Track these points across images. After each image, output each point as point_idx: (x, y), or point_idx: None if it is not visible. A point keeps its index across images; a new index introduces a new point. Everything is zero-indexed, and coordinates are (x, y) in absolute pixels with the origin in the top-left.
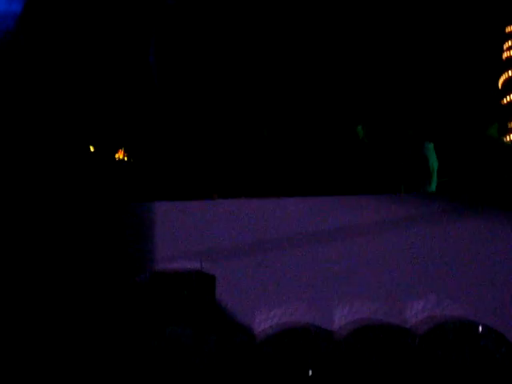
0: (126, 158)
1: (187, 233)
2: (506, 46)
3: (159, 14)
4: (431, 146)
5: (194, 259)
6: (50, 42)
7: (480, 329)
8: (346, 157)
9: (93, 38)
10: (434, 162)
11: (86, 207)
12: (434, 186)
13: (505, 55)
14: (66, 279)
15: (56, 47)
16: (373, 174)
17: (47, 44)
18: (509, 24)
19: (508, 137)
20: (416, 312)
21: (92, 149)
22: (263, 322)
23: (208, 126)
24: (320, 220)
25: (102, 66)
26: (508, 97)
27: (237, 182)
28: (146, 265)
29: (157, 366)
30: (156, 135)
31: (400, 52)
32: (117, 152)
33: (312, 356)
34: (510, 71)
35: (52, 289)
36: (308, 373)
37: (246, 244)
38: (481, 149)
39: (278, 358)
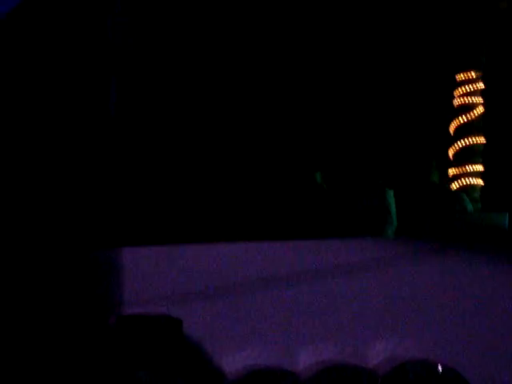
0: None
1: (154, 277)
2: (456, 93)
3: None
4: (391, 192)
5: (161, 303)
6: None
7: (440, 368)
8: (305, 202)
9: (51, 81)
10: (393, 208)
11: (55, 252)
12: (393, 231)
13: (456, 102)
14: (35, 323)
15: (11, 91)
16: (332, 218)
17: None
18: (459, 72)
19: (453, 184)
20: (377, 352)
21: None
22: (230, 364)
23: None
24: (283, 264)
25: (59, 95)
26: (459, 142)
27: (198, 225)
28: (114, 309)
29: None
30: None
31: (354, 101)
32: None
33: None
34: (460, 118)
35: (20, 333)
36: None
37: (212, 288)
38: (427, 194)
39: None
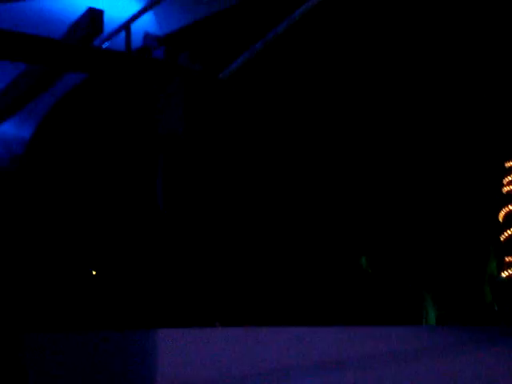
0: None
1: (189, 360)
2: (505, 180)
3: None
4: (428, 296)
5: None
6: (57, 169)
7: None
8: (350, 287)
9: (100, 163)
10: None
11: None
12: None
13: (505, 189)
14: None
15: (63, 174)
16: (376, 304)
17: (55, 170)
18: (508, 159)
19: (505, 272)
20: None
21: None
22: None
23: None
24: (328, 350)
25: (108, 191)
26: (508, 231)
27: (236, 309)
28: None
29: None
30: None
31: (404, 187)
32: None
33: None
34: (510, 205)
35: None
36: None
37: (248, 373)
38: (480, 285)
39: None
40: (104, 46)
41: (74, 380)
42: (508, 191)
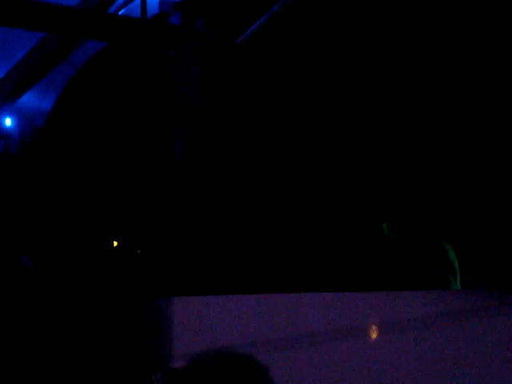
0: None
1: (206, 328)
2: None
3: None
4: (449, 246)
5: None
6: (79, 140)
7: None
8: (371, 253)
9: (120, 135)
10: (455, 261)
11: (101, 302)
12: (458, 284)
13: None
14: (80, 377)
15: (85, 145)
16: (399, 270)
17: (77, 142)
18: None
19: None
20: None
21: (115, 244)
22: None
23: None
24: (351, 315)
25: (128, 161)
26: None
27: (254, 276)
28: (163, 362)
29: None
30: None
31: (425, 155)
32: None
33: None
34: None
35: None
36: None
37: (263, 340)
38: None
39: None
40: (120, 13)
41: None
42: None
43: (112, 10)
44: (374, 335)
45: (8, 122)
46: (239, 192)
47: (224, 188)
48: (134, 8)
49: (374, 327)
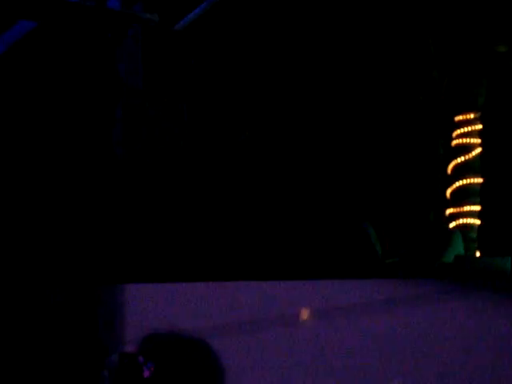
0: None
1: (157, 314)
2: (454, 134)
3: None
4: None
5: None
6: (11, 119)
7: None
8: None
9: (56, 115)
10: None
11: (56, 287)
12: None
13: (454, 143)
14: (35, 362)
15: (18, 125)
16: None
17: (8, 120)
18: (457, 113)
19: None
20: None
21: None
22: None
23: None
24: (281, 304)
25: (64, 142)
26: (456, 182)
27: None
28: (116, 347)
29: None
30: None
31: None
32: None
33: None
34: (458, 158)
35: (20, 369)
36: None
37: (212, 326)
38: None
39: None
40: None
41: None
42: (456, 144)
43: None
44: (308, 322)
45: None
46: (178, 172)
47: (162, 169)
48: None
49: (309, 314)
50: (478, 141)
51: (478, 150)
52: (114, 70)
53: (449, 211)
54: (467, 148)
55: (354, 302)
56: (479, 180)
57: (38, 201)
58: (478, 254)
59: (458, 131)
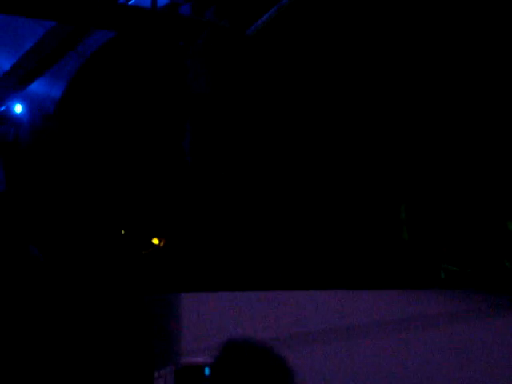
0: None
1: (213, 324)
2: None
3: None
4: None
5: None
6: (89, 130)
7: None
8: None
9: (129, 123)
10: None
11: (109, 297)
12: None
13: None
14: (89, 372)
15: (95, 135)
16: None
17: (87, 131)
18: None
19: None
20: None
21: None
22: None
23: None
24: (345, 315)
25: (137, 151)
26: None
27: (265, 272)
28: (171, 358)
29: None
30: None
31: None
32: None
33: None
34: None
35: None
36: None
37: (266, 337)
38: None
39: None
40: (130, 3)
41: None
42: None
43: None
44: (371, 334)
45: (18, 108)
46: (247, 184)
47: (233, 179)
48: None
49: (371, 326)
50: None
51: None
52: (183, 77)
53: None
54: None
55: (422, 313)
56: None
57: (107, 207)
58: None
59: None
